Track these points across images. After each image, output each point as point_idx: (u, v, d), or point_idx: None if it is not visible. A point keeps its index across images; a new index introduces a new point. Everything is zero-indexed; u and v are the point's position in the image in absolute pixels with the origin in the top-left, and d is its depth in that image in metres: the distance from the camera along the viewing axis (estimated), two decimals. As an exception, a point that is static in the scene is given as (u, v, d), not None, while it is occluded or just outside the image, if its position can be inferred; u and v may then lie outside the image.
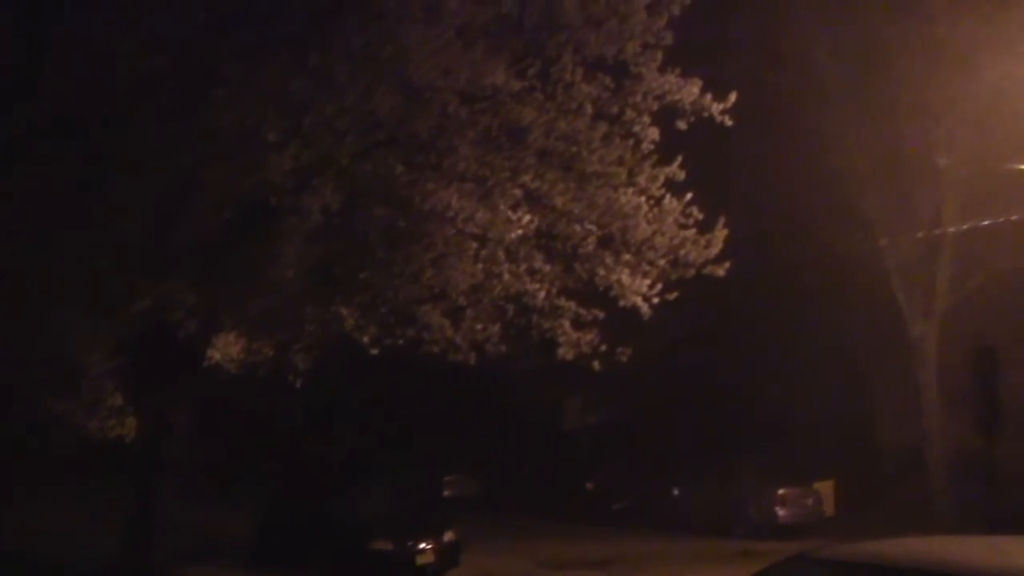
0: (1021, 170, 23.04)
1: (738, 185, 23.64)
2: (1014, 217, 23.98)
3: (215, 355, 17.92)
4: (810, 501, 27.37)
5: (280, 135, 12.58)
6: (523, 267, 15.13)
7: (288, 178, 13.04)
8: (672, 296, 14.97)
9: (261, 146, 12.52)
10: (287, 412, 31.80)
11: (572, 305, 15.38)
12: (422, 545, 20.34)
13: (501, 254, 14.93)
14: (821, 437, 28.65)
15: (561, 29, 13.63)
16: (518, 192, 14.39)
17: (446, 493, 36.41)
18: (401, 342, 16.09)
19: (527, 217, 14.43)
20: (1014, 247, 24.68)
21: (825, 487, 27.93)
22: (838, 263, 26.69)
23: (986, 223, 24.28)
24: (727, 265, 14.83)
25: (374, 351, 16.42)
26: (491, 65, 13.12)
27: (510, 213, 14.38)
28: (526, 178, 14.35)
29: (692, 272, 14.85)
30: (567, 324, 15.45)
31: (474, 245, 14.80)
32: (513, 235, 14.56)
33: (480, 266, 14.93)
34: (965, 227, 24.91)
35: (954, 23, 23.61)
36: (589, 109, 13.98)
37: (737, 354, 30.61)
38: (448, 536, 20.85)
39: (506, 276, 15.03)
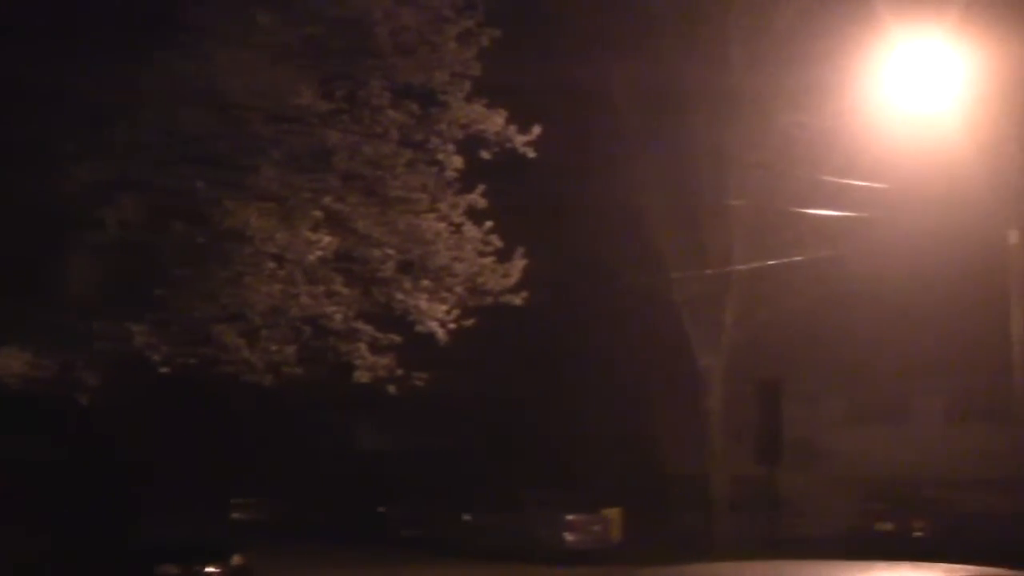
0: (806, 213, 24.20)
1: (539, 216, 24.09)
2: (798, 258, 25.14)
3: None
4: (598, 527, 27.82)
5: (79, 146, 12.24)
6: (321, 289, 15.03)
7: (86, 190, 12.68)
8: (469, 323, 15.14)
9: (58, 156, 12.15)
10: (72, 433, 30.60)
11: (370, 329, 15.37)
12: (209, 569, 19.90)
13: (299, 275, 14.81)
14: (610, 464, 29.31)
15: (371, 54, 13.70)
16: (319, 214, 14.34)
17: (238, 516, 35.63)
18: (194, 362, 15.76)
19: (327, 239, 14.38)
20: (797, 287, 25.93)
21: (613, 513, 28.48)
22: (633, 295, 27.46)
23: (772, 263, 25.39)
24: (524, 294, 15.07)
25: (165, 370, 16.02)
26: (299, 86, 13.08)
27: (310, 234, 14.30)
28: (328, 200, 14.32)
29: (490, 300, 15.05)
30: (364, 348, 15.40)
31: (272, 265, 14.64)
32: (312, 257, 14.48)
33: (278, 287, 14.77)
34: (753, 266, 25.99)
35: (749, 73, 24.73)
36: (395, 134, 14.07)
37: (531, 381, 31.04)
38: (236, 560, 20.45)
39: (304, 298, 14.91)
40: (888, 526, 28.67)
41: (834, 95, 23.69)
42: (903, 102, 20.62)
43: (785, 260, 25.17)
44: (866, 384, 31.08)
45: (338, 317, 15.14)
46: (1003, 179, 21.53)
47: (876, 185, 22.90)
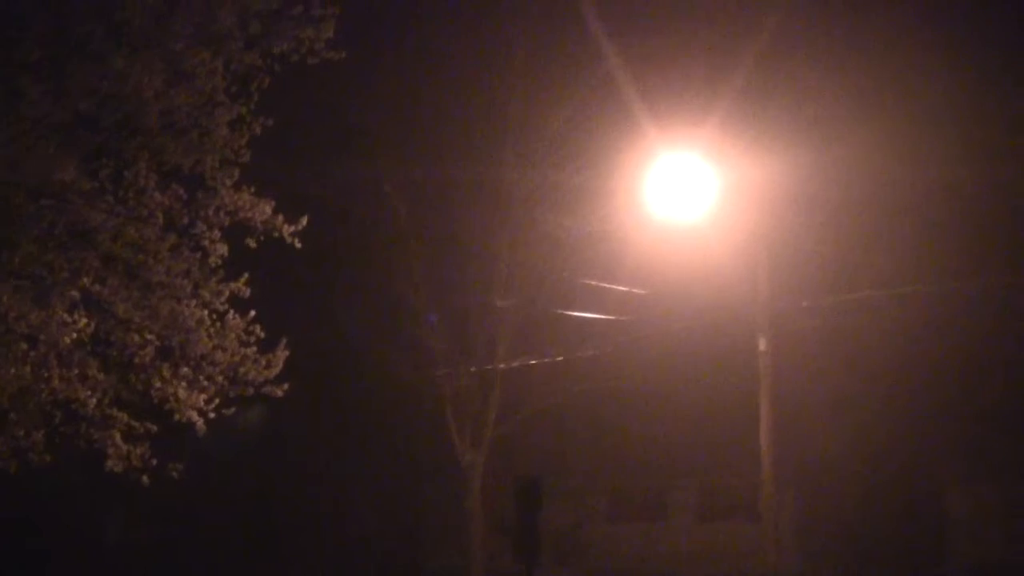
0: (568, 315, 24.90)
1: (305, 307, 23.99)
2: (559, 358, 25.78)
3: None
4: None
5: None
6: (75, 372, 14.51)
7: None
8: (229, 412, 14.87)
9: None
10: None
11: (124, 416, 14.90)
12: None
13: (52, 357, 14.28)
14: (369, 558, 29.02)
15: (140, 133, 13.46)
16: (76, 295, 13.89)
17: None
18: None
19: (84, 321, 13.93)
20: (560, 385, 26.55)
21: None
22: (399, 389, 27.51)
23: (534, 362, 25.95)
24: (286, 386, 14.92)
25: None
26: (62, 161, 12.73)
27: (66, 316, 13.84)
28: (87, 281, 13.90)
29: (251, 391, 14.83)
30: (118, 436, 14.91)
31: (24, 346, 14.07)
32: (67, 339, 13.99)
33: (28, 368, 14.20)
34: (516, 364, 26.48)
35: (519, 174, 25.42)
36: (160, 218, 13.81)
37: (290, 473, 30.56)
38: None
39: (56, 381, 14.36)
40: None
41: (599, 200, 24.60)
42: (664, 211, 21.58)
43: (546, 360, 25.75)
44: (625, 480, 31.87)
45: (91, 402, 14.62)
46: (754, 287, 22.65)
47: (636, 291, 23.81)
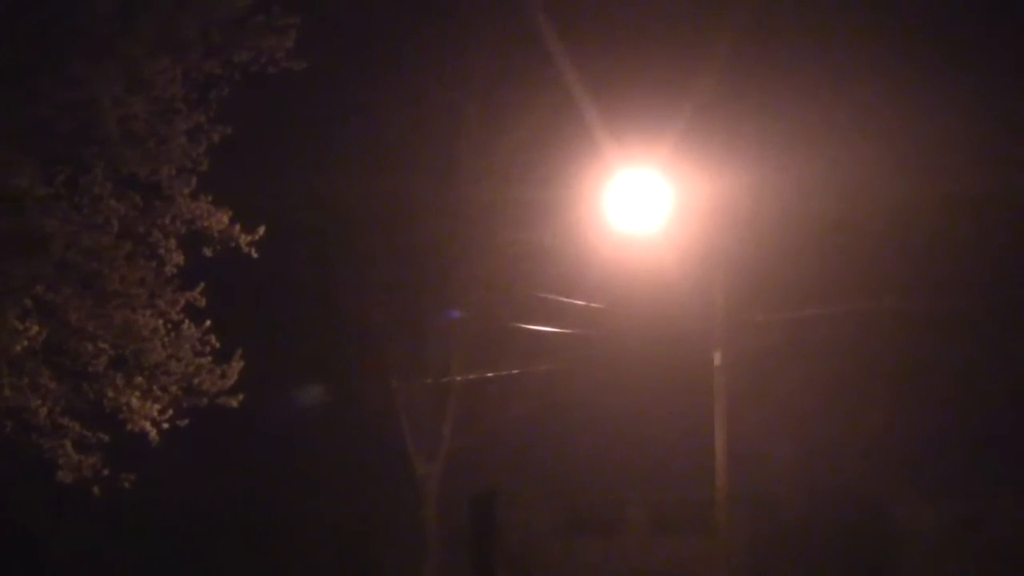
0: (525, 328, 24.95)
1: (263, 317, 23.89)
2: (515, 371, 25.82)
3: None
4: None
5: None
6: (26, 381, 14.34)
7: None
8: (183, 423, 14.76)
9: None
10: None
11: (76, 426, 14.74)
12: None
13: (3, 365, 14.10)
14: (320, 566, 28.84)
15: (97, 140, 13.35)
16: (29, 302, 13.75)
17: None
18: None
19: (36, 329, 13.77)
20: (516, 399, 26.59)
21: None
22: (355, 399, 27.44)
23: (490, 375, 25.98)
24: (241, 397, 14.84)
25: None
26: (18, 167, 12.61)
27: (18, 323, 13.67)
28: (40, 289, 13.76)
29: (205, 401, 14.73)
30: (69, 445, 14.75)
31: (-26, 354, 13.91)
32: (19, 347, 13.82)
33: (-23, 377, 14.02)
34: (472, 377, 26.50)
35: (473, 187, 25.47)
36: (116, 226, 13.69)
37: (243, 481, 30.31)
38: None
39: (7, 390, 14.18)
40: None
41: (556, 215, 24.70)
42: (621, 226, 21.67)
43: (504, 372, 25.79)
44: (582, 494, 31.93)
45: (43, 411, 14.44)
46: (710, 303, 22.76)
47: (593, 305, 23.88)
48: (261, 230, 14.13)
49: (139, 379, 14.46)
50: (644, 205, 20.77)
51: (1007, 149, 25.64)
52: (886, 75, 25.94)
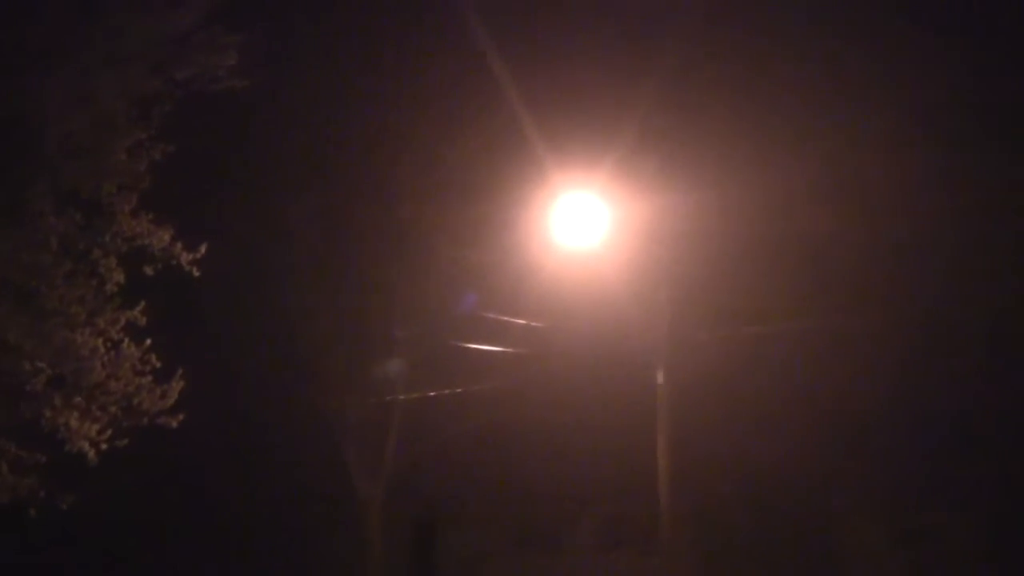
0: (465, 347, 24.97)
1: (202, 335, 23.68)
2: (459, 389, 25.81)
3: None
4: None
5: None
6: (-39, 401, 14.13)
7: None
8: (122, 443, 14.56)
9: None
10: None
11: (12, 447, 14.49)
12: None
13: (-62, 385, 13.89)
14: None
15: (37, 156, 13.20)
16: (-35, 320, 13.55)
17: None
18: None
19: (-28, 347, 13.58)
20: (460, 417, 26.56)
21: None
22: (296, 421, 27.22)
23: (433, 393, 25.95)
24: (181, 417, 14.69)
25: None
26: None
27: (-46, 343, 13.48)
28: (-24, 306, 13.57)
29: (145, 421, 14.56)
30: (4, 467, 14.50)
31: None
32: (-46, 366, 13.62)
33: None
34: (415, 395, 26.44)
35: (417, 206, 25.48)
36: (55, 243, 13.53)
37: (185, 498, 29.94)
38: None
39: (-59, 409, 13.97)
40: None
41: (498, 234, 24.76)
42: (564, 246, 21.77)
43: (448, 391, 25.77)
44: (528, 512, 31.87)
45: (-23, 432, 14.23)
46: (653, 322, 22.86)
47: (535, 324, 23.99)
48: (203, 248, 14.04)
49: (78, 399, 14.28)
50: (587, 225, 20.87)
51: (941, 161, 26.00)
52: (821, 97, 26.25)
